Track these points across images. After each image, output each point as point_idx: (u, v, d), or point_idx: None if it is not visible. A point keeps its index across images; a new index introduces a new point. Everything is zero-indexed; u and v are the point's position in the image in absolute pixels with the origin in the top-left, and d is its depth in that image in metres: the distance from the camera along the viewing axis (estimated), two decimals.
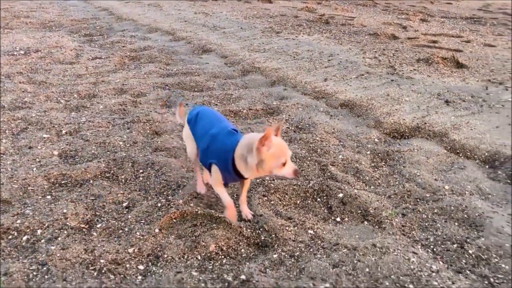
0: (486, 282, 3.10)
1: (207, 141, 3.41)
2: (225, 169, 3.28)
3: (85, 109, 6.08)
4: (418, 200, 4.15)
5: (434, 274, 3.11)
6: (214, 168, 3.36)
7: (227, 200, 3.53)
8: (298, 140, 5.27)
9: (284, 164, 3.05)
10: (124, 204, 3.83)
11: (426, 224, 3.78)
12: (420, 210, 3.97)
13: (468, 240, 3.53)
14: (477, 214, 3.84)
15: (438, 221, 3.80)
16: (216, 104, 6.40)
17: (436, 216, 3.87)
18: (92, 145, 4.91)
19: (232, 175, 3.30)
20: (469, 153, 5.04)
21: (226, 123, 3.55)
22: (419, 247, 3.47)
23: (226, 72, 8.11)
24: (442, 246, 3.49)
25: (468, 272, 3.21)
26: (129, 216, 3.63)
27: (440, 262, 3.30)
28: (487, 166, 4.83)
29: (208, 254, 3.24)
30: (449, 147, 5.20)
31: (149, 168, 4.44)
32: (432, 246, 3.49)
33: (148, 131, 5.39)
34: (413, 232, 3.67)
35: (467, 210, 3.91)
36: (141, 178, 4.29)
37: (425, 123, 5.74)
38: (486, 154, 4.99)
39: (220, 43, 10.38)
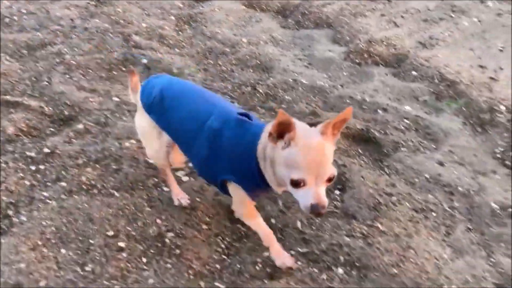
0: (273, 113, 3.59)
1: (205, 142, 2.10)
2: (253, 183, 2.04)
3: None
4: (218, 55, 4.43)
5: None
6: (234, 188, 2.12)
7: (268, 236, 2.31)
8: (99, 14, 5.03)
9: (298, 184, 1.73)
10: None
11: (226, 75, 4.11)
12: (220, 63, 4.27)
13: (260, 82, 3.96)
14: (268, 59, 4.28)
15: (236, 71, 4.16)
16: None
17: (234, 67, 4.22)
18: None
19: (263, 188, 2.06)
20: (264, 6, 5.40)
21: (223, 103, 2.26)
22: (220, 95, 3.80)
23: None
24: (238, 90, 3.87)
25: (259, 108, 3.66)
26: None
27: (236, 104, 3.69)
28: (279, 16, 5.27)
29: (8, 138, 3.14)
30: (247, 3, 5.48)
31: None
32: (229, 93, 3.85)
33: None
34: (213, 83, 3.98)
35: (260, 57, 4.31)
36: None
37: None
38: (279, 5, 5.40)
39: None
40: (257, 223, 2.29)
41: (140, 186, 2.81)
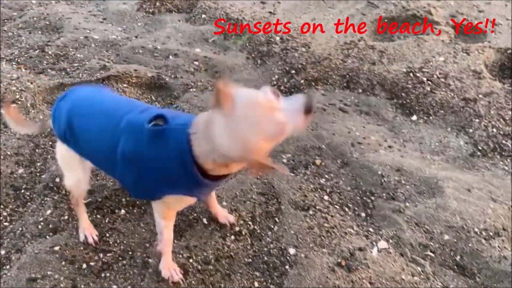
0: (63, 73, 3.52)
1: (127, 170, 1.84)
2: (192, 185, 1.78)
3: None
4: (5, 21, 4.15)
5: (14, 81, 3.34)
6: (178, 197, 1.86)
7: (168, 241, 2.12)
8: None
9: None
10: None
11: (12, 40, 3.88)
12: (6, 29, 4.01)
13: (49, 43, 3.82)
14: (57, 18, 4.12)
15: (23, 35, 3.94)
16: None
17: (21, 31, 3.99)
18: None
19: (205, 186, 1.81)
20: None
21: (129, 113, 1.88)
22: (3, 63, 3.60)
23: None
24: (26, 55, 3.70)
25: (49, 70, 3.55)
26: None
27: (23, 70, 3.53)
28: None
29: None
30: None
31: None
32: (16, 59, 3.66)
33: None
34: None
35: (49, 17, 4.14)
36: None
37: None
38: None
39: None
40: (169, 226, 2.06)
41: None
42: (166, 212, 1.99)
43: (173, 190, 1.82)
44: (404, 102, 3.29)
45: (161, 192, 1.84)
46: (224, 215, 2.41)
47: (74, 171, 2.15)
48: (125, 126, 1.82)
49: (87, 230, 2.33)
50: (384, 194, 2.61)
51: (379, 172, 2.72)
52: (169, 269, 2.14)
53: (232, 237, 2.37)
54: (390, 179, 2.68)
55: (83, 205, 2.36)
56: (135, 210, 2.49)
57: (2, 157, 2.75)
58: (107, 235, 2.36)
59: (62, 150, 2.12)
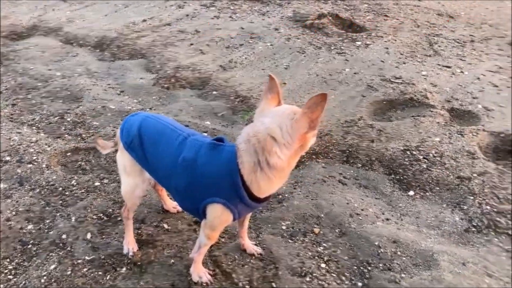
0: (79, 139, 3.74)
1: (182, 174, 2.19)
2: (239, 200, 2.11)
3: None
4: (30, 90, 4.46)
5: (33, 144, 3.56)
6: (219, 209, 2.15)
7: (203, 254, 2.48)
8: None
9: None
10: None
11: (35, 108, 4.17)
12: (30, 97, 4.31)
13: (68, 111, 4.09)
14: (78, 89, 4.43)
15: (45, 103, 4.23)
16: None
17: (44, 99, 4.29)
18: None
19: (247, 203, 2.14)
20: (81, 42, 5.57)
21: (195, 135, 2.31)
22: (25, 127, 3.84)
23: None
24: (46, 121, 3.95)
25: (66, 135, 3.78)
26: None
27: (42, 134, 3.77)
28: (97, 50, 5.48)
29: None
30: (64, 39, 5.60)
31: None
32: (37, 124, 3.91)
33: None
34: (21, 117, 4.00)
35: (71, 88, 4.45)
36: None
37: (42, 21, 5.95)
38: (96, 40, 5.62)
39: None
40: (208, 245, 2.41)
41: None
42: (211, 234, 2.29)
43: (216, 198, 2.12)
44: (402, 178, 3.42)
45: (205, 200, 2.15)
46: (251, 247, 2.69)
47: (133, 177, 2.48)
48: (191, 140, 2.23)
49: (130, 244, 2.66)
50: (380, 265, 2.66)
51: (376, 243, 2.79)
52: (199, 273, 2.46)
53: None
54: (387, 250, 2.75)
55: (131, 222, 2.67)
56: (136, 269, 2.55)
57: (14, 213, 2.88)
58: None
59: (124, 160, 2.46)
